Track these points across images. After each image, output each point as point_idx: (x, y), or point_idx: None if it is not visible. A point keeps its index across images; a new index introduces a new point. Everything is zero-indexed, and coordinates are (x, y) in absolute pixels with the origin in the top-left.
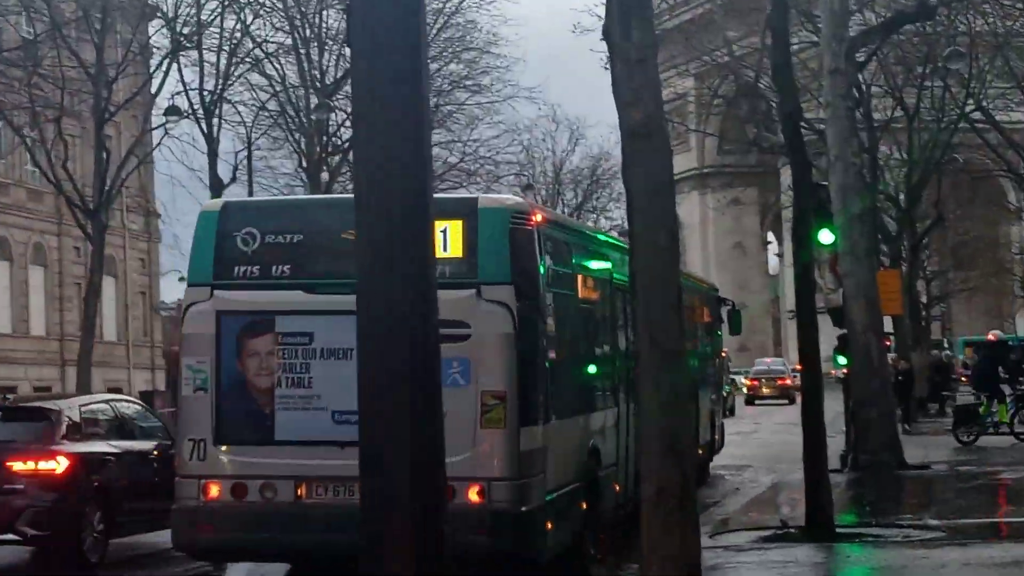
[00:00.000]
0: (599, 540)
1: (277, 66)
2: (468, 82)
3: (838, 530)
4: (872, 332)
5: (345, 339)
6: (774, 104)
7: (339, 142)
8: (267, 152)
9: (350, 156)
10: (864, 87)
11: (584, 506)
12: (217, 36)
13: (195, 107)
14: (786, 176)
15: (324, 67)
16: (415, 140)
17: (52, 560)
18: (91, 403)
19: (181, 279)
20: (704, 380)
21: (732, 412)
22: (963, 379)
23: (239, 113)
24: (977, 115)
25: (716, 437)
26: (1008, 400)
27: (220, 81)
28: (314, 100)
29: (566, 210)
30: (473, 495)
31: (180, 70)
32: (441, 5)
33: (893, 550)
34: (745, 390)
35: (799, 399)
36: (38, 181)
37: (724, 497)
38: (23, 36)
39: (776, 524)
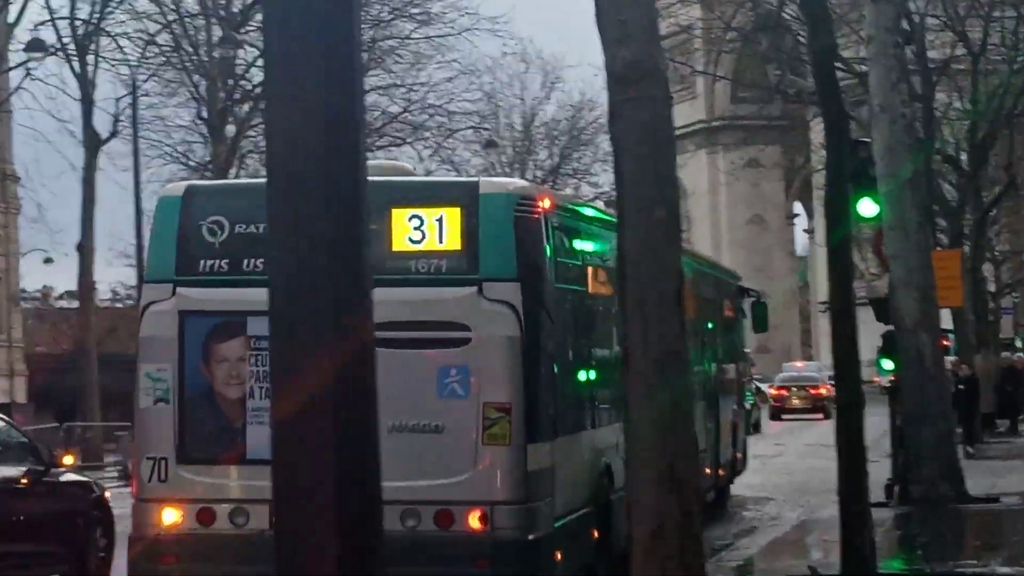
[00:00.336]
0: (613, 572)
1: None
2: (414, 9)
3: None
4: (926, 330)
5: None
6: (802, 39)
7: (249, 86)
8: (157, 99)
9: (263, 104)
10: (917, 18)
11: (596, 534)
12: None
13: (64, 41)
14: (817, 131)
15: None
16: (344, 84)
17: None
18: None
19: (47, 260)
20: (724, 387)
21: (757, 428)
22: None
23: (121, 49)
24: None
25: (739, 455)
26: None
27: (96, 7)
28: (217, 33)
29: (538, 174)
30: (474, 521)
31: None
32: None
33: None
34: (771, 401)
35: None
36: None
37: (738, 538)
38: None
39: (804, 573)
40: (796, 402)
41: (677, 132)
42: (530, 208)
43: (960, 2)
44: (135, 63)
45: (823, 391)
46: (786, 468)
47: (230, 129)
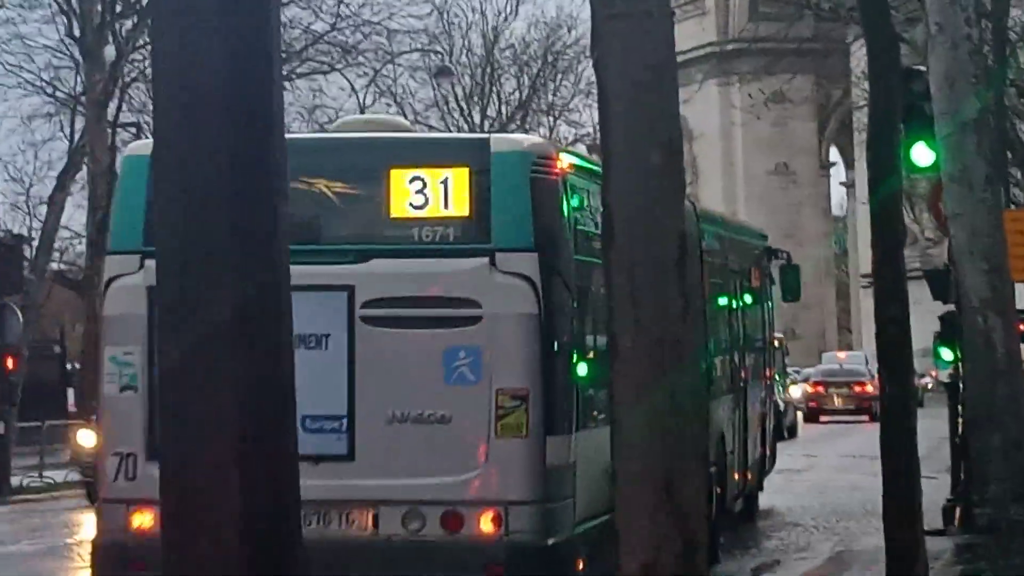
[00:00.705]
0: None
1: None
2: None
3: None
4: (995, 310)
5: (321, 322)
6: None
7: None
8: (16, 12)
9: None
10: None
11: None
12: None
13: None
14: (859, 57)
15: None
16: None
17: None
18: None
19: None
20: (753, 374)
21: (793, 433)
22: None
23: None
24: None
25: (768, 452)
26: None
27: None
28: None
29: (506, 109)
30: (486, 524)
31: None
32: None
33: None
34: (806, 400)
35: None
36: None
37: (757, 574)
38: None
39: None
40: (837, 401)
41: (681, 57)
42: (547, 168)
43: None
44: None
45: (869, 388)
46: (818, 485)
47: (109, 51)
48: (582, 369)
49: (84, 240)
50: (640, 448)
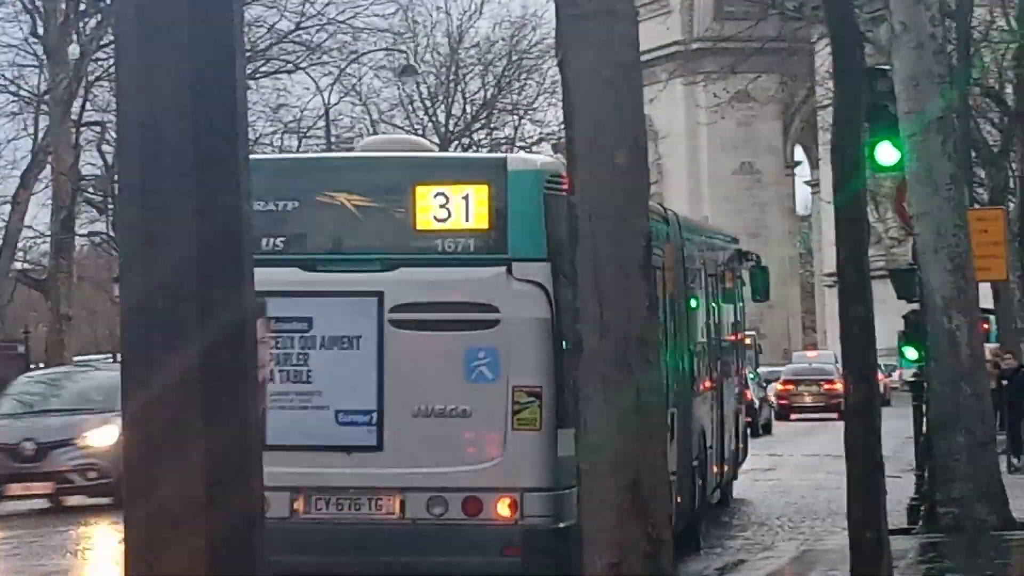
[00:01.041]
0: None
1: None
2: None
3: None
4: (960, 310)
5: (351, 325)
6: None
7: None
8: None
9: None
10: None
11: None
12: None
13: None
14: (824, 57)
15: None
16: None
17: None
18: None
19: None
20: (728, 372)
21: (769, 430)
22: None
23: None
24: None
25: (742, 445)
26: None
27: None
28: None
29: (471, 108)
30: (503, 509)
31: None
32: None
33: None
34: (775, 398)
35: None
36: None
37: (722, 574)
38: None
39: None
40: (808, 399)
41: (645, 57)
42: (560, 185)
43: None
44: None
45: (838, 386)
46: (781, 487)
47: (73, 50)
48: None
49: (48, 239)
50: (605, 448)
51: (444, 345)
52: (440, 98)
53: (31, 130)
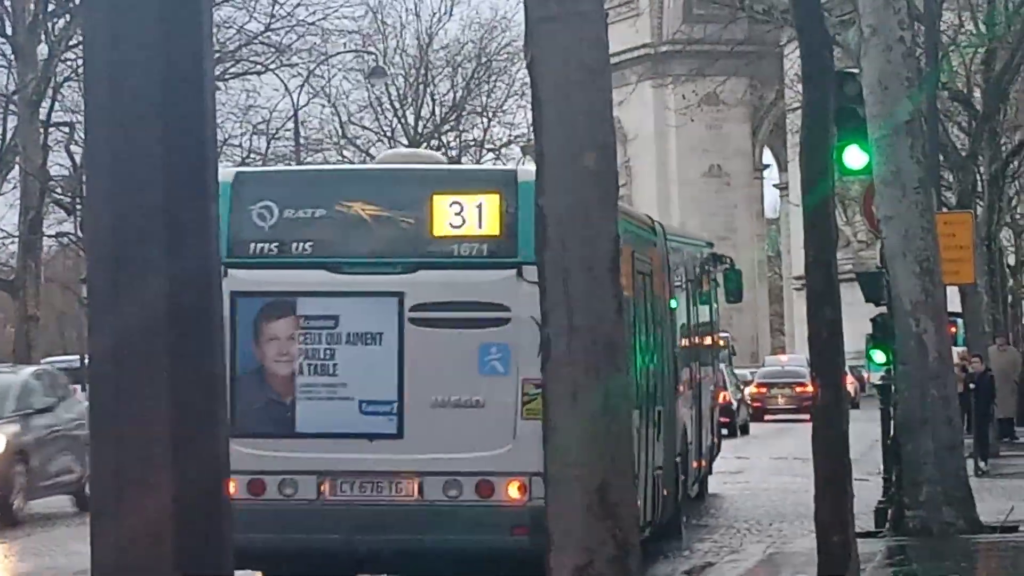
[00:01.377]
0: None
1: None
2: None
3: None
4: (927, 313)
5: (374, 322)
6: None
7: None
8: None
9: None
10: None
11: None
12: None
13: None
14: (793, 60)
15: None
16: None
17: None
18: None
19: None
20: (705, 372)
21: (746, 431)
22: None
23: None
24: None
25: (716, 441)
26: None
27: None
28: None
29: (440, 110)
30: (513, 491)
31: None
32: None
33: None
34: (749, 400)
35: None
36: None
37: None
38: None
39: None
40: (781, 401)
41: (614, 59)
42: None
43: None
44: None
45: (810, 388)
46: (749, 489)
47: (42, 50)
48: None
49: (16, 240)
50: (573, 452)
51: (459, 341)
52: (409, 100)
53: None
